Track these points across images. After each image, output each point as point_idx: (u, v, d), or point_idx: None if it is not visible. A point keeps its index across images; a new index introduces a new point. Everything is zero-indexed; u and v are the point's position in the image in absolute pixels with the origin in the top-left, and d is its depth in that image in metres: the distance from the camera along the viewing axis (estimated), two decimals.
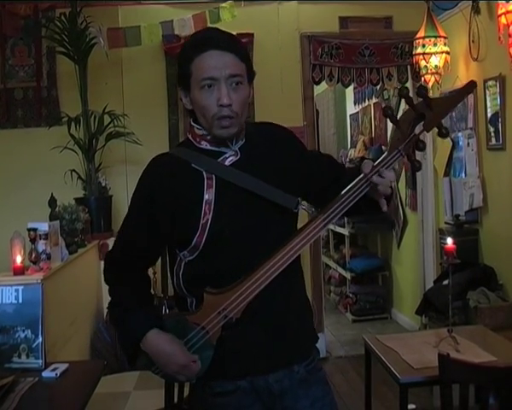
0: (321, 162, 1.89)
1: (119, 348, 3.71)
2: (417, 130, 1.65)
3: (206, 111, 1.64)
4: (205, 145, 1.71)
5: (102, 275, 1.83)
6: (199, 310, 1.63)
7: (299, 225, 1.76)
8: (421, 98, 1.64)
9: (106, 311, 4.36)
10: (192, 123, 1.75)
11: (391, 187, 1.63)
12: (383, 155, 1.64)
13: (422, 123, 1.65)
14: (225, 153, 1.70)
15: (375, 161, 1.63)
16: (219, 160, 1.69)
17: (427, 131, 1.67)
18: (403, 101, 5.83)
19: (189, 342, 1.63)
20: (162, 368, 1.66)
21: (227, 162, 1.69)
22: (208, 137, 1.71)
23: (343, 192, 1.63)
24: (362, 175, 1.62)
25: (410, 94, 1.68)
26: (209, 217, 1.63)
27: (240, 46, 1.68)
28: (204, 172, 1.67)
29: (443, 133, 1.66)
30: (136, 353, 1.68)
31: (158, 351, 1.64)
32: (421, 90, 1.63)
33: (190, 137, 1.76)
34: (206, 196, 1.64)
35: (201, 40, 1.66)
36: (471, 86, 1.74)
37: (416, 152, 1.67)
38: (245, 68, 1.67)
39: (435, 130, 1.68)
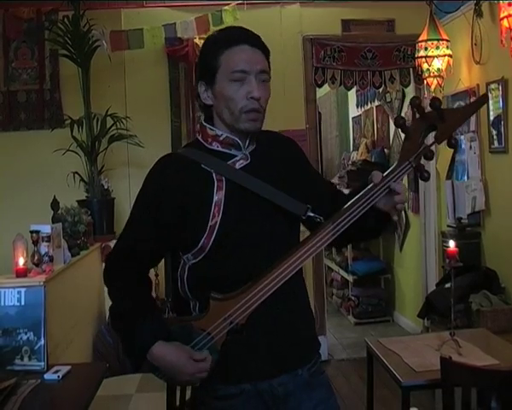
0: (322, 180, 1.91)
1: (121, 350, 3.71)
2: (428, 140, 1.65)
3: (234, 104, 1.64)
4: (216, 147, 1.70)
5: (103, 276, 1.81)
6: (204, 315, 1.61)
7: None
8: (432, 109, 1.63)
9: (108, 313, 4.36)
10: (203, 123, 1.74)
11: (404, 203, 1.62)
12: (393, 166, 1.63)
13: (434, 134, 1.64)
14: (236, 156, 1.70)
15: (383, 171, 1.63)
16: (230, 162, 1.69)
17: (439, 143, 1.66)
18: (406, 103, 5.84)
19: (193, 347, 1.62)
20: (171, 379, 1.66)
21: (237, 165, 1.69)
22: (221, 138, 1.69)
23: (352, 201, 1.61)
24: (371, 185, 1.61)
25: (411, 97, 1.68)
26: (218, 219, 1.62)
27: (266, 46, 1.73)
28: (214, 174, 1.66)
29: (452, 144, 1.65)
30: (140, 361, 1.66)
31: (165, 363, 1.61)
32: (435, 102, 1.62)
33: (200, 138, 1.75)
34: (215, 198, 1.63)
35: (232, 35, 1.69)
36: (483, 99, 1.74)
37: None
38: (268, 68, 1.71)
39: None
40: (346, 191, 1.89)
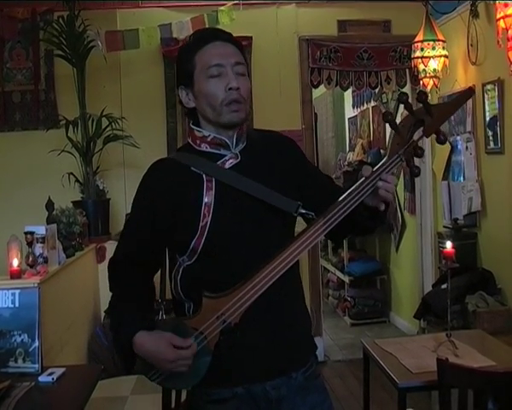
0: (320, 177, 1.90)
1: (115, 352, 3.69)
2: (416, 136, 1.65)
3: (215, 99, 1.65)
4: (205, 147, 1.71)
5: (101, 279, 1.81)
6: (197, 314, 1.60)
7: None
8: (420, 104, 1.63)
9: (103, 315, 4.35)
10: (191, 125, 1.75)
11: (391, 192, 1.61)
12: (383, 160, 1.63)
13: (422, 129, 1.65)
14: (225, 155, 1.70)
15: (373, 166, 1.62)
16: (220, 162, 1.69)
17: (427, 137, 1.66)
18: (401, 105, 5.82)
19: None
20: (157, 368, 1.62)
21: (227, 165, 1.69)
22: (208, 139, 1.70)
23: (343, 196, 1.61)
24: (362, 179, 1.60)
25: (409, 99, 1.68)
26: (208, 220, 1.62)
27: (237, 40, 1.75)
28: (204, 175, 1.66)
29: (441, 139, 1.65)
30: (129, 359, 1.65)
31: (145, 352, 1.60)
32: (421, 95, 1.63)
33: (190, 140, 1.76)
34: (205, 199, 1.64)
35: (203, 35, 1.73)
36: (469, 92, 1.75)
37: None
38: (244, 60, 1.73)
39: (434, 135, 1.67)
40: None
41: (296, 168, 1.79)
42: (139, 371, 1.67)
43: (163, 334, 1.60)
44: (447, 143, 4.82)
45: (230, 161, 1.70)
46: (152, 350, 1.59)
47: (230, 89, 1.65)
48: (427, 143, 5.11)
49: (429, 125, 1.64)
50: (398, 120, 1.65)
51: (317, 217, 1.63)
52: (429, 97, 4.37)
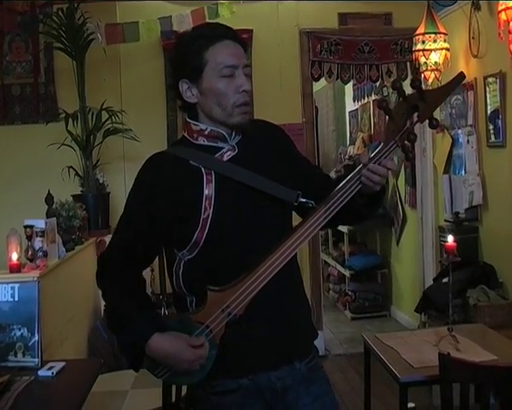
0: (310, 165, 1.92)
1: (116, 346, 3.69)
2: (410, 122, 1.68)
3: (226, 99, 1.65)
4: (202, 141, 1.70)
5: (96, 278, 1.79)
6: (202, 308, 1.61)
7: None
8: (414, 90, 1.67)
9: (103, 309, 4.34)
10: (188, 119, 1.74)
11: (393, 176, 1.64)
12: (379, 147, 1.66)
13: (416, 114, 1.68)
14: (223, 148, 1.70)
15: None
16: (217, 155, 1.69)
17: (421, 122, 1.71)
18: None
19: None
20: (174, 369, 1.63)
21: (225, 157, 1.69)
22: (206, 132, 1.69)
23: (342, 184, 1.64)
24: (360, 166, 1.63)
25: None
26: (210, 212, 1.62)
27: (243, 40, 1.75)
28: (202, 169, 1.66)
29: (433, 124, 1.70)
30: (139, 360, 1.65)
31: (164, 354, 1.61)
32: (415, 82, 1.67)
33: (186, 134, 1.75)
34: (205, 192, 1.63)
35: (214, 31, 1.70)
36: (461, 77, 1.76)
37: (416, 148, 1.68)
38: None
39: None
40: None
41: (287, 156, 1.80)
42: (146, 368, 1.67)
43: (179, 335, 1.61)
44: (448, 137, 4.80)
45: (228, 153, 1.70)
46: (171, 352, 1.60)
47: (244, 91, 1.65)
48: (428, 137, 5.10)
49: (423, 110, 1.68)
50: (392, 108, 1.69)
51: (317, 205, 1.65)
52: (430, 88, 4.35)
